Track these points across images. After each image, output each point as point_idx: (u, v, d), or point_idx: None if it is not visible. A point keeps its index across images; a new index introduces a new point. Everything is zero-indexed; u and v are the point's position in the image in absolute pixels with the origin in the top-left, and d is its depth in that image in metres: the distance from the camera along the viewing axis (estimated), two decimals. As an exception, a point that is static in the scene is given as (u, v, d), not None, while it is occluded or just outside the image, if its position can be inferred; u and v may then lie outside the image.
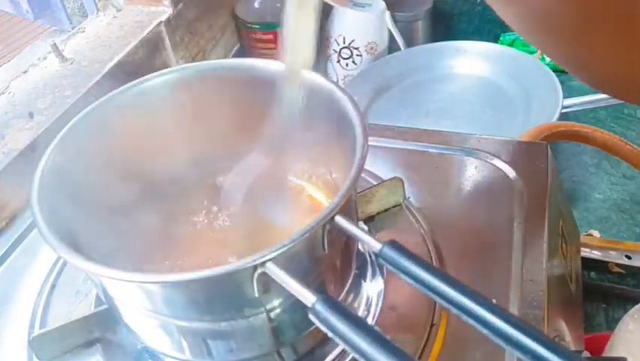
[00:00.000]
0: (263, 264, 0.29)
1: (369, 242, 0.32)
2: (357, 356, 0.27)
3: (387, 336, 0.27)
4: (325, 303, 0.28)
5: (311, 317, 0.29)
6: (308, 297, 0.29)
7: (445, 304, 0.30)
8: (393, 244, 0.31)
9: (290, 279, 0.29)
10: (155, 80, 0.43)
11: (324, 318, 0.28)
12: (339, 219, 0.32)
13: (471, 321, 0.29)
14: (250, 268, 0.29)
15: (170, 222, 0.44)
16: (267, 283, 0.30)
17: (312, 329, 0.36)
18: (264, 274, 0.29)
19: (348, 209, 0.35)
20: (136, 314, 0.36)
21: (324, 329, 0.28)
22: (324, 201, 0.45)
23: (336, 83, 0.40)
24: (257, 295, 0.30)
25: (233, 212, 0.43)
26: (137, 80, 0.42)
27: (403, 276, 0.31)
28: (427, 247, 0.45)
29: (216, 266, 0.29)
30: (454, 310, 0.29)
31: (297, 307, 0.31)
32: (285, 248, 0.29)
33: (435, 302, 0.40)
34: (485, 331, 0.28)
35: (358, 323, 0.28)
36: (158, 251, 0.42)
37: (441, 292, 0.30)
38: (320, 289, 0.29)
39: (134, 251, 0.40)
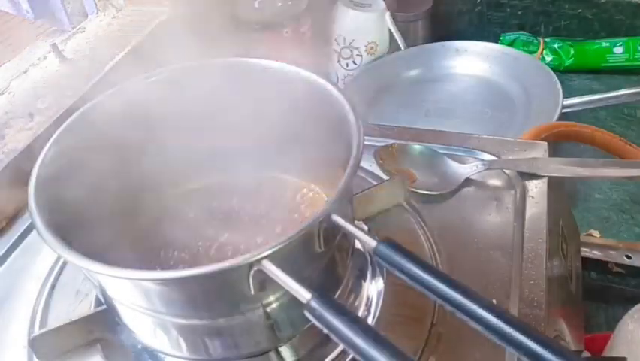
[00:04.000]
0: (259, 261, 0.29)
1: (364, 240, 0.32)
2: (352, 352, 0.27)
3: (382, 333, 0.27)
4: (321, 300, 0.28)
5: (307, 313, 0.29)
6: (304, 294, 0.29)
7: (440, 301, 0.30)
8: (389, 242, 0.31)
9: (286, 276, 0.29)
10: (151, 79, 0.43)
11: (320, 315, 0.28)
12: (336, 218, 0.32)
13: (465, 318, 0.29)
14: (246, 266, 0.29)
15: (168, 219, 0.44)
16: (263, 281, 0.30)
17: (309, 325, 0.36)
18: (260, 271, 0.29)
19: (344, 207, 0.35)
20: (133, 313, 0.36)
21: (319, 325, 0.28)
22: (321, 199, 0.45)
23: (334, 83, 0.40)
24: (253, 292, 0.30)
25: (232, 209, 0.44)
26: (133, 79, 0.42)
27: (398, 273, 0.31)
28: (427, 246, 0.45)
29: (212, 263, 0.29)
30: (449, 307, 0.30)
31: (293, 303, 0.31)
32: (282, 246, 0.29)
33: (435, 302, 0.40)
34: (479, 327, 0.28)
35: (354, 320, 0.28)
36: (157, 248, 0.42)
37: (436, 289, 0.30)
38: (316, 287, 0.29)
39: (132, 248, 0.40)
